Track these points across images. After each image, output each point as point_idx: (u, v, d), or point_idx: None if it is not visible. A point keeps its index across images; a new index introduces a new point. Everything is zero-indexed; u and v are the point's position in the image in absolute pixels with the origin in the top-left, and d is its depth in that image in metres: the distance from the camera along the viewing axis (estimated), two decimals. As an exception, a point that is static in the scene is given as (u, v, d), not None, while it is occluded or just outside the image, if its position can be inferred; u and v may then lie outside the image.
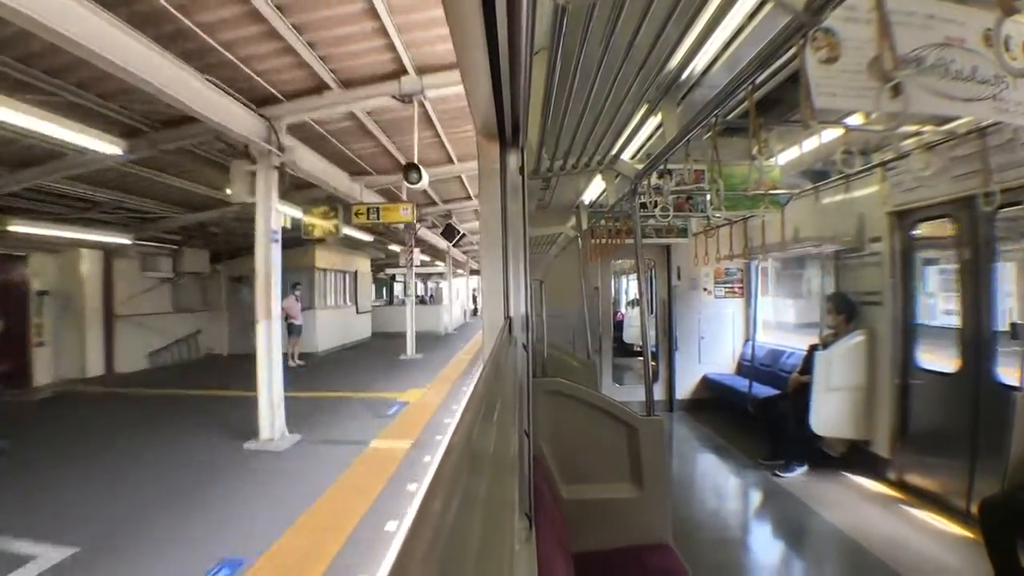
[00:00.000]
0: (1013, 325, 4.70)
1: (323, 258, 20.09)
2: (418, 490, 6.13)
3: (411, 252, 18.84)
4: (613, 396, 4.08)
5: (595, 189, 6.96)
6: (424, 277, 46.12)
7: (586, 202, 7.69)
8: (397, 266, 33.50)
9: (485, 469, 0.99)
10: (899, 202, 5.48)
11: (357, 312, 23.85)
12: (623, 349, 12.11)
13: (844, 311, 6.10)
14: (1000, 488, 3.82)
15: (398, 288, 45.68)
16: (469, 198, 16.46)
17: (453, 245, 19.52)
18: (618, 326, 12.57)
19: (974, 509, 4.10)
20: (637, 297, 12.19)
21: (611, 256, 8.82)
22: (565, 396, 3.84)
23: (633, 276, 14.06)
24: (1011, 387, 4.30)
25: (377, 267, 32.94)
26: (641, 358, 4.39)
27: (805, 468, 5.98)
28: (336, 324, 21.20)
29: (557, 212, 8.15)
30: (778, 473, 5.96)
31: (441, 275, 41.51)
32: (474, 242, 24.39)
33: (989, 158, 4.38)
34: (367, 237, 18.74)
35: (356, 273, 23.91)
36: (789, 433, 6.12)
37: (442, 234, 18.24)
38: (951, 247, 5.22)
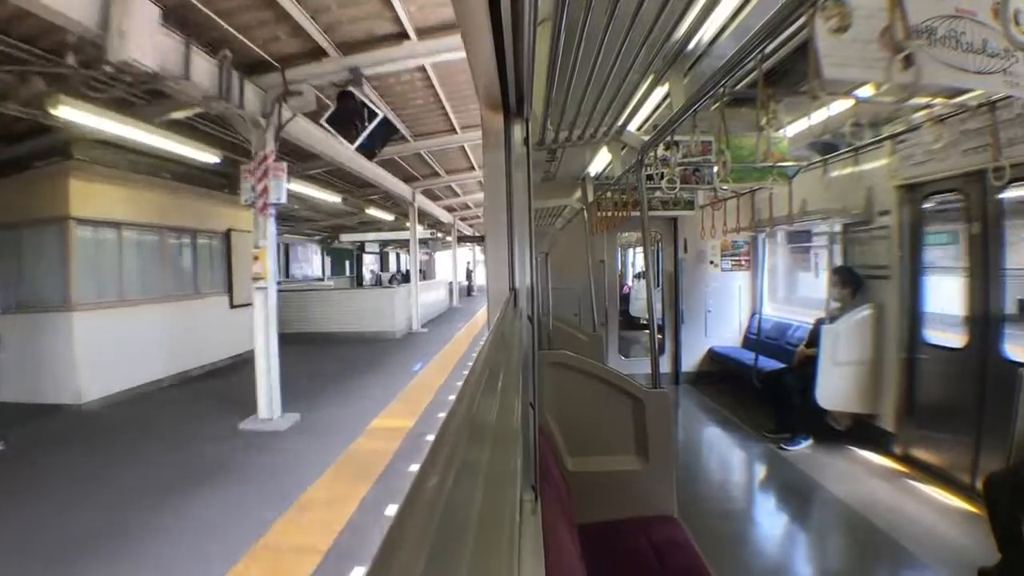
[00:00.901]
0: (1021, 302, 4.68)
1: (94, 198, 9.52)
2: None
3: (264, 168, 8.01)
4: (619, 368, 4.09)
5: (601, 160, 6.92)
6: (400, 246, 38.17)
7: (592, 174, 7.65)
8: (381, 228, 26.59)
9: (489, 441, 0.99)
10: (908, 175, 5.43)
11: (232, 306, 13.18)
12: (630, 322, 12.14)
13: (849, 285, 6.08)
14: (1005, 464, 3.83)
15: (372, 262, 37.66)
16: (404, 34, 7.32)
17: (357, 147, 8.19)
18: (625, 299, 12.57)
19: (979, 484, 4.11)
20: (643, 270, 12.22)
21: (617, 229, 8.79)
22: (571, 368, 3.84)
23: (640, 249, 14.03)
24: (1018, 363, 4.29)
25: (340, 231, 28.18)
26: (647, 331, 4.39)
27: (810, 441, 6.00)
28: (145, 336, 10.37)
29: (563, 184, 8.11)
30: (784, 446, 5.98)
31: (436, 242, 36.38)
32: (456, 189, 20.93)
33: (999, 132, 4.34)
34: (207, 155, 9.19)
35: (228, 235, 13.25)
36: (795, 406, 6.14)
37: (330, 121, 7.94)
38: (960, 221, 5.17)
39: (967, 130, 4.66)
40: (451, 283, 30.54)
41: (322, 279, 30.07)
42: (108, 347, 9.49)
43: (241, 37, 6.85)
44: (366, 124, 7.95)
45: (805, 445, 5.97)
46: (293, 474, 6.02)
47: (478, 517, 0.61)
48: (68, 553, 4.48)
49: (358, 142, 8.00)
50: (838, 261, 6.66)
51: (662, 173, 4.87)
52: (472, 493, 0.64)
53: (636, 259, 16.51)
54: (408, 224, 19.66)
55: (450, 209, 25.40)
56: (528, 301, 2.64)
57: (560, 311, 8.74)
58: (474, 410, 0.75)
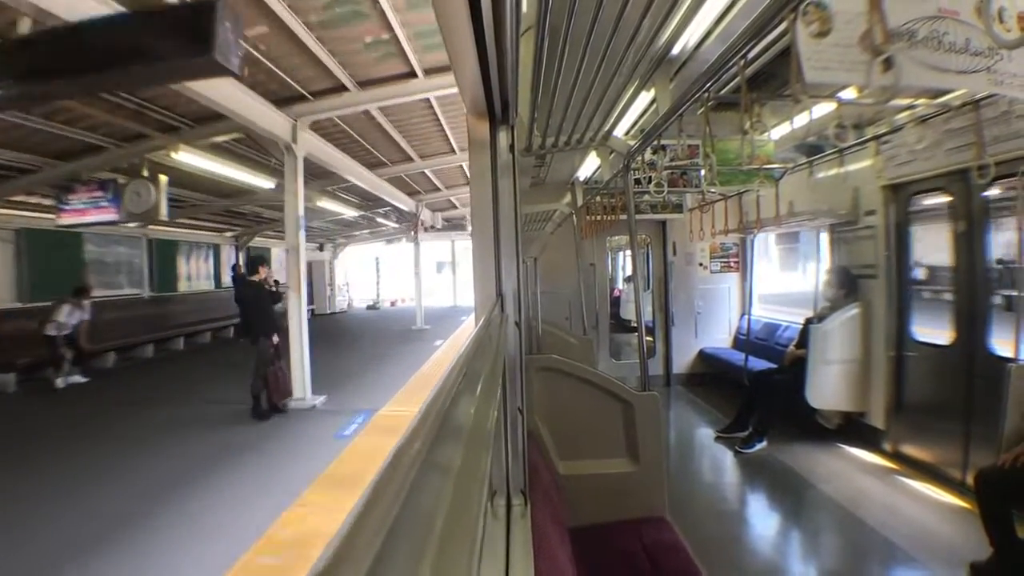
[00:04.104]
0: (1007, 296, 4.72)
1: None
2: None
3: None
4: (611, 371, 4.10)
5: (590, 165, 6.94)
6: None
7: (581, 178, 7.67)
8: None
9: (473, 446, 1.00)
10: (893, 175, 5.47)
11: None
12: (620, 325, 12.15)
13: (845, 286, 6.11)
14: (995, 458, 3.85)
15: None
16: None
17: None
18: (615, 302, 12.59)
19: (969, 479, 4.14)
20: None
21: (607, 232, 8.82)
22: (559, 372, 3.85)
23: (630, 252, 14.09)
24: (1005, 358, 4.33)
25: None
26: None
27: (764, 444, 6.05)
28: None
29: (552, 189, 8.13)
30: (740, 449, 6.04)
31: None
32: (433, 179, 17.13)
33: (983, 131, 4.38)
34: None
35: None
36: (776, 406, 6.16)
37: None
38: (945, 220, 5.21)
39: (950, 129, 4.70)
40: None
41: None
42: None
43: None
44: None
45: (760, 447, 6.00)
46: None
47: (448, 522, 0.61)
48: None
49: None
50: (824, 261, 6.70)
51: (650, 177, 4.89)
52: (442, 497, 0.64)
53: (626, 262, 16.54)
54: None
55: (412, 193, 18.86)
56: (516, 306, 2.65)
57: (551, 315, 8.74)
58: (448, 413, 0.75)
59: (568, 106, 3.67)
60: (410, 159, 13.85)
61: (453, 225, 25.58)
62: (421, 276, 21.84)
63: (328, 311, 27.91)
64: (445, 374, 0.93)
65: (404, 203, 18.34)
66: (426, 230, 22.48)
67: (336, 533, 0.36)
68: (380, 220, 22.68)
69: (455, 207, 22.93)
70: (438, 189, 18.95)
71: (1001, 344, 4.58)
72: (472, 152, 2.51)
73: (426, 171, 15.56)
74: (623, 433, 3.76)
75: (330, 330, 21.05)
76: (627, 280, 15.54)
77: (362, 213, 19.53)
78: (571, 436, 3.81)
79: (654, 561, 3.05)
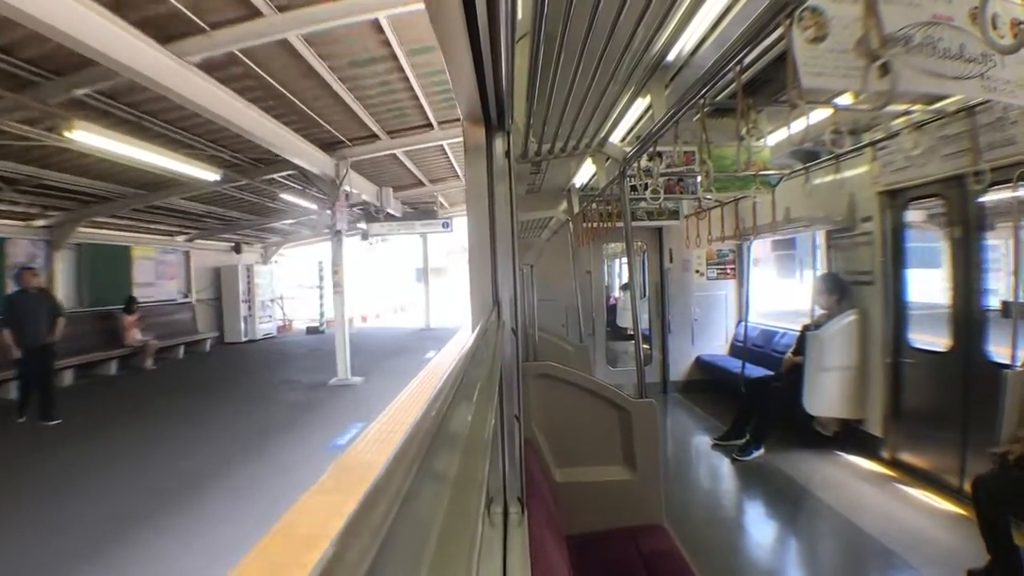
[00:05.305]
0: (1004, 303, 4.72)
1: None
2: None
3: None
4: (607, 378, 4.09)
5: (586, 172, 6.94)
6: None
7: (577, 185, 7.67)
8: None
9: (470, 454, 0.99)
10: (889, 181, 5.47)
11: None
12: (617, 332, 12.13)
13: (836, 292, 6.11)
14: (992, 465, 3.84)
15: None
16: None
17: None
18: (611, 310, 12.57)
19: (967, 487, 4.13)
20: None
21: (603, 240, 8.82)
22: (556, 380, 3.84)
23: (626, 259, 14.10)
24: (1002, 365, 4.32)
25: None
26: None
27: (762, 451, 6.05)
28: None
29: (548, 196, 8.13)
30: (737, 456, 6.04)
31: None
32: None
33: (978, 137, 4.39)
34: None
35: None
36: (774, 414, 6.15)
37: None
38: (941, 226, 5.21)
39: (946, 136, 4.71)
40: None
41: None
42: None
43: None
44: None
45: (757, 455, 6.01)
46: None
47: (444, 529, 0.60)
48: None
49: None
50: (819, 267, 6.70)
51: (646, 184, 4.88)
52: (438, 504, 0.63)
53: (622, 270, 16.54)
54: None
55: (329, 144, 10.96)
56: (512, 313, 2.64)
57: (547, 322, 8.73)
58: (444, 420, 0.74)
59: (564, 112, 3.67)
60: (254, 11, 6.02)
61: (421, 212, 17.61)
62: (344, 288, 12.69)
63: (244, 338, 19.96)
64: (441, 381, 0.91)
65: (311, 160, 10.39)
66: (375, 217, 15.42)
67: (332, 539, 0.35)
68: (286, 197, 14.17)
69: (420, 182, 15.56)
70: (375, 137, 10.83)
71: (998, 350, 4.58)
72: (468, 158, 2.51)
73: (316, 67, 7.45)
74: (620, 440, 3.75)
75: (188, 383, 12.96)
76: (623, 287, 15.57)
77: (232, 180, 11.46)
78: (568, 443, 3.80)
79: (652, 569, 3.04)
